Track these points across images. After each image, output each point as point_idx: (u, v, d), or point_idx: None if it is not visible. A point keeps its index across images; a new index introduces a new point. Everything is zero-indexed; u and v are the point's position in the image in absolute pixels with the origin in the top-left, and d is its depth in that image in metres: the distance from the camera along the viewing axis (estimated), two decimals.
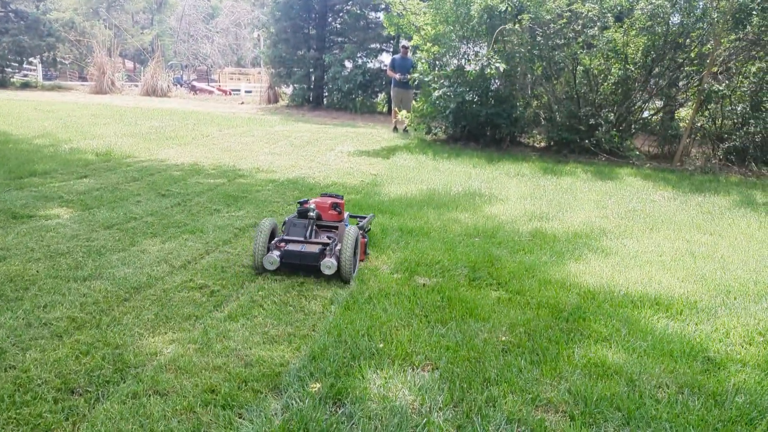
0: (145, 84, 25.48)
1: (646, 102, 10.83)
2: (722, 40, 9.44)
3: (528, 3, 10.26)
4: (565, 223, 6.21)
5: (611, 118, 10.46)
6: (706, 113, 10.36)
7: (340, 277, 4.19)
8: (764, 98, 9.90)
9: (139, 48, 46.62)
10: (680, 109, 10.75)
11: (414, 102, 13.15)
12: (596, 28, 9.89)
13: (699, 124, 10.32)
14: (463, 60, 11.73)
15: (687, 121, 10.09)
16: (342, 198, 4.94)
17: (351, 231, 4.21)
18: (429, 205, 6.83)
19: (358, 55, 19.82)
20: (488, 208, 6.80)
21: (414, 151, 10.71)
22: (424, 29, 11.70)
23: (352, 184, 7.92)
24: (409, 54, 14.01)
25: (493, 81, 11.26)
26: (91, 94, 24.79)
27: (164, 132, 11.95)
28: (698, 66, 10.16)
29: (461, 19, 11.31)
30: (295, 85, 21.40)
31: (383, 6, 19.82)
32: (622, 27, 10.52)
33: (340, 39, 21.15)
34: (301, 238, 4.40)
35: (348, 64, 19.94)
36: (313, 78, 20.87)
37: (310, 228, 4.48)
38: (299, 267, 4.28)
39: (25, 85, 27.41)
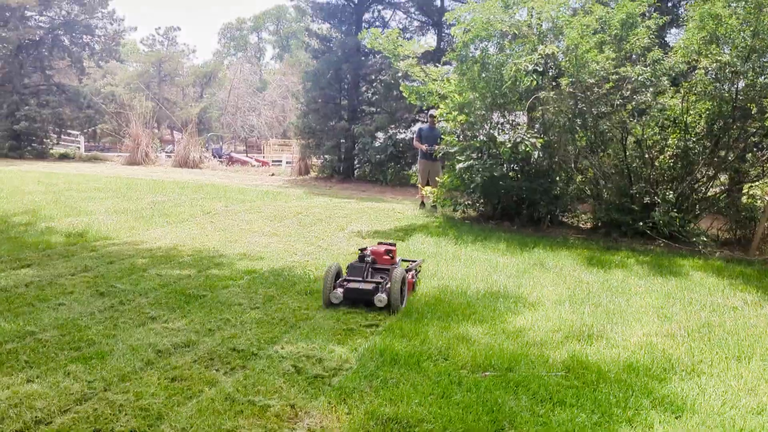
0: (177, 155, 25.03)
1: (712, 178, 9.12)
2: None
3: (567, 65, 8.87)
4: (614, 346, 4.54)
5: (670, 196, 8.78)
6: None
7: (389, 309, 5.17)
8: None
9: (185, 120, 47.41)
10: (755, 185, 9.01)
11: (438, 176, 11.77)
12: (649, 94, 8.39)
13: None
14: (496, 131, 10.35)
15: (766, 200, 8.34)
16: (395, 245, 5.99)
17: (398, 272, 5.26)
18: (434, 311, 5.27)
19: (390, 125, 18.74)
20: (512, 318, 5.18)
21: (435, 233, 9.21)
22: (449, 96, 10.42)
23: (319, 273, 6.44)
24: (437, 123, 12.77)
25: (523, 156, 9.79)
26: (123, 165, 24.46)
27: (162, 208, 10.83)
28: None
29: (490, 85, 10.00)
30: (325, 156, 20.40)
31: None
32: (679, 91, 9.00)
33: (372, 109, 20.20)
34: (360, 278, 5.44)
35: (380, 135, 18.88)
36: (343, 149, 19.85)
37: (366, 270, 5.53)
38: (358, 301, 5.28)
39: (64, 156, 27.42)
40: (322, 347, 4.31)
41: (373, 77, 20.08)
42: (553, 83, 9.08)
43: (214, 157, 31.09)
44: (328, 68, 19.45)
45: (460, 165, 9.73)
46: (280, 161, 32.13)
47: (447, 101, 10.67)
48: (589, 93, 8.92)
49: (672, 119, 8.88)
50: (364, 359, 4.09)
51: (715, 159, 8.81)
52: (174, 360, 3.96)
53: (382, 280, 5.40)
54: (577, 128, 9.14)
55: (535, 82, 9.04)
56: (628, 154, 9.37)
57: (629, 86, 8.57)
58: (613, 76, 8.57)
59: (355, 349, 4.31)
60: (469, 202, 10.98)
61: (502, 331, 4.80)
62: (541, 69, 8.62)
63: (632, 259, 7.96)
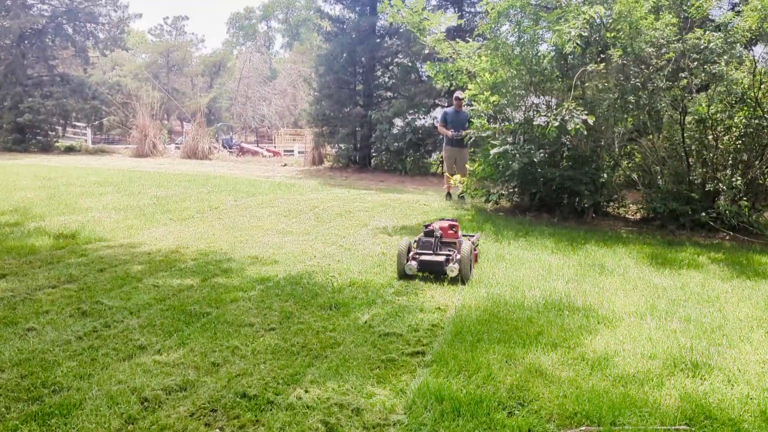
0: (186, 146, 24.10)
1: None
2: None
3: (618, 36, 7.75)
4: (732, 381, 3.51)
5: (738, 182, 7.68)
6: None
7: (460, 279, 5.52)
8: None
9: (195, 111, 46.50)
10: None
11: (468, 164, 10.70)
12: (723, 63, 7.26)
13: None
14: (531, 112, 9.28)
15: None
16: (456, 221, 6.28)
17: (467, 245, 5.69)
18: (491, 330, 4.26)
19: (409, 111, 17.64)
20: (589, 339, 4.15)
21: (469, 227, 8.17)
22: (480, 75, 9.33)
23: (377, 285, 5.45)
24: (464, 106, 11.67)
25: (570, 136, 8.71)
26: (131, 158, 23.57)
27: (165, 204, 9.87)
28: None
29: (526, 61, 8.91)
30: (340, 145, 19.35)
31: (434, 55, 17.78)
32: (743, 63, 7.85)
33: (389, 94, 19.11)
34: (430, 251, 5.79)
35: (398, 122, 17.79)
36: (359, 137, 18.78)
37: (436, 243, 5.83)
38: (431, 272, 5.65)
39: (69, 149, 26.56)
40: (358, 388, 3.31)
41: (390, 60, 18.99)
42: (600, 56, 7.97)
43: (224, 147, 30.16)
44: (342, 51, 18.36)
45: (495, 150, 8.66)
46: (292, 151, 31.20)
47: (477, 80, 9.60)
48: (644, 66, 7.81)
49: (739, 94, 7.75)
50: (415, 408, 3.08)
51: None
52: (164, 413, 2.98)
53: (450, 253, 5.79)
54: (631, 106, 8.03)
55: (579, 49, 7.90)
56: (686, 135, 8.25)
57: (696, 56, 7.44)
58: (675, 45, 7.44)
59: (402, 391, 3.31)
60: (503, 193, 9.91)
61: (583, 360, 3.78)
62: (586, 34, 7.48)
63: (703, 257, 6.89)
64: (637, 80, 7.99)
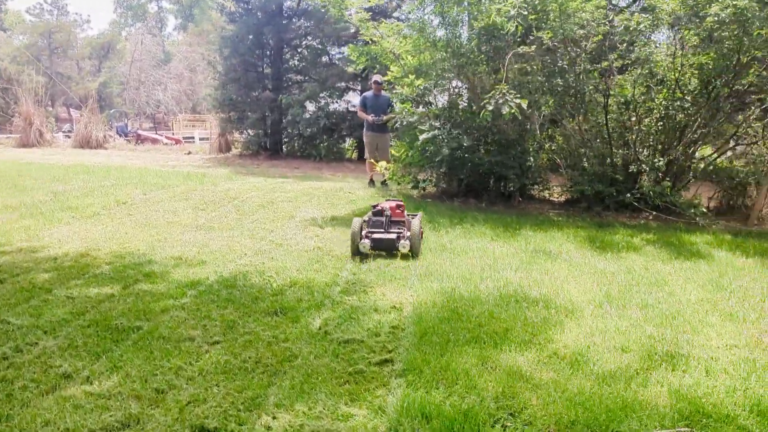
0: (78, 135, 22.35)
1: (705, 141, 8.27)
2: None
3: (547, 17, 7.67)
4: (711, 372, 3.43)
5: (660, 163, 7.86)
6: None
7: (411, 254, 5.94)
8: None
9: (84, 96, 43.44)
10: (752, 148, 8.23)
11: (392, 149, 10.44)
12: (652, 45, 7.35)
13: None
14: (458, 96, 9.10)
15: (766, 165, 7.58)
16: (401, 201, 6.69)
17: (415, 222, 6.24)
18: (456, 330, 4.00)
19: (321, 95, 17.13)
20: (557, 334, 3.98)
21: None
22: (404, 58, 9.04)
23: (321, 284, 5.06)
24: (384, 90, 11.37)
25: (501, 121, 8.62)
26: (15, 148, 21.55)
27: (65, 199, 8.93)
28: None
29: (453, 44, 8.71)
30: (249, 131, 18.54)
31: (348, 38, 17.35)
32: (672, 42, 7.99)
33: (299, 77, 18.48)
34: (381, 230, 6.18)
35: (310, 106, 17.24)
36: (269, 122, 18.04)
37: (386, 222, 6.24)
38: (383, 249, 6.06)
39: None
40: (330, 409, 2.95)
41: (299, 42, 18.34)
42: (529, 38, 7.88)
43: (120, 135, 28.29)
44: (248, 32, 17.51)
45: (424, 136, 8.43)
46: (193, 138, 29.85)
47: (401, 63, 9.30)
48: (570, 48, 7.79)
49: (660, 77, 7.90)
50: (402, 430, 2.75)
51: (709, 120, 7.92)
52: None
53: (401, 231, 6.18)
54: (559, 89, 8.00)
55: (521, 28, 7.74)
56: (609, 117, 8.36)
57: (626, 38, 7.49)
58: (602, 27, 7.46)
59: (380, 409, 2.97)
60: (430, 179, 9.73)
61: (558, 358, 3.59)
62: (526, 13, 7.33)
63: (636, 239, 6.98)
64: (564, 62, 7.98)
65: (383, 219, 6.24)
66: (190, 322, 4.14)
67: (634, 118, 8.16)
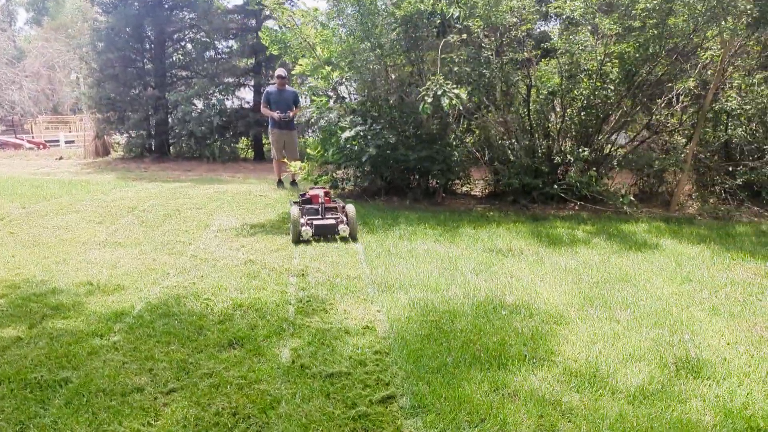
0: None
1: (627, 130, 8.36)
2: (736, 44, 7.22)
3: (476, 5, 7.35)
4: (738, 378, 3.22)
5: (585, 153, 7.84)
6: (712, 138, 8.08)
7: (350, 238, 6.34)
8: None
9: None
10: (672, 136, 8.42)
11: (308, 149, 9.80)
12: (587, 33, 7.25)
13: (699, 156, 8.01)
14: (381, 90, 8.63)
15: (686, 152, 7.75)
16: (328, 188, 7.70)
17: (351, 207, 6.49)
18: (450, 350, 3.55)
19: (211, 91, 16.04)
20: (557, 345, 3.64)
21: None
22: (320, 48, 8.45)
23: (270, 304, 4.42)
24: (289, 85, 10.68)
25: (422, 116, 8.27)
26: None
27: None
28: (694, 80, 7.84)
29: (373, 36, 8.24)
30: (131, 132, 17.03)
31: (237, 30, 16.39)
32: (596, 32, 7.98)
33: (185, 73, 17.21)
34: (319, 216, 6.54)
35: (199, 103, 16.11)
36: (154, 122, 16.67)
37: (321, 209, 6.65)
38: (324, 234, 6.37)
39: None
40: None
41: (183, 35, 17.09)
42: (456, 27, 7.57)
43: None
44: (125, 25, 16.05)
45: (346, 134, 7.88)
46: (57, 141, 27.33)
47: (316, 53, 8.69)
48: (494, 38, 7.57)
49: (583, 66, 7.88)
50: None
51: (631, 109, 8.01)
52: None
53: (338, 216, 6.57)
54: (485, 80, 7.75)
55: (464, 13, 7.35)
56: (533, 108, 8.26)
57: (558, 27, 7.37)
58: (532, 16, 7.28)
59: None
60: (352, 178, 9.21)
61: (572, 374, 3.24)
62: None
63: (578, 231, 6.88)
64: (490, 53, 7.75)
65: (318, 206, 6.65)
66: (131, 366, 3.38)
67: (558, 108, 8.10)
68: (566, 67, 7.72)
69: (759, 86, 7.81)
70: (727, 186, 7.99)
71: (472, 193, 9.55)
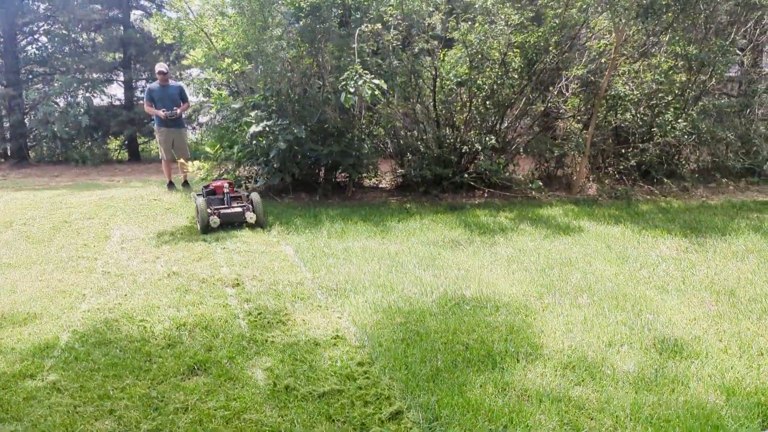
0: None
1: (530, 117, 8.61)
2: (629, 32, 7.64)
3: None
4: (749, 357, 3.35)
5: (492, 141, 8.00)
6: (604, 123, 8.51)
7: (257, 225, 6.62)
8: (660, 101, 8.42)
9: None
10: (568, 121, 8.78)
11: (206, 146, 9.18)
12: (501, 22, 7.32)
13: (594, 139, 8.42)
14: (286, 83, 8.25)
15: (585, 137, 8.11)
16: (230, 180, 7.60)
17: (256, 195, 6.69)
18: (433, 352, 3.40)
19: (75, 88, 14.63)
20: (537, 338, 3.61)
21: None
22: (217, 37, 7.91)
23: (218, 320, 4.03)
24: (173, 80, 9.96)
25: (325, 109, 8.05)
26: None
27: None
28: (584, 67, 8.23)
29: (274, 23, 7.86)
30: None
31: (100, 22, 15.10)
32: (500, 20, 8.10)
33: (43, 69, 15.56)
34: (225, 205, 6.75)
35: (62, 102, 14.65)
36: (8, 124, 14.94)
37: (227, 199, 6.89)
38: (232, 222, 6.58)
39: None
40: None
41: (37, 27, 15.44)
42: (366, 17, 7.38)
43: None
44: None
45: (253, 129, 7.45)
46: None
47: (214, 44, 8.14)
48: (404, 27, 7.49)
49: (487, 56, 8.00)
50: None
51: (532, 96, 8.27)
52: None
53: (244, 204, 6.76)
54: (396, 70, 7.64)
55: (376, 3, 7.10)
56: (439, 98, 8.30)
57: (467, 15, 7.38)
58: (444, 6, 7.26)
59: None
60: (255, 176, 8.76)
61: (567, 366, 3.22)
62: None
63: (500, 218, 7.01)
64: (397, 42, 7.65)
65: (222, 196, 6.88)
66: (86, 409, 2.91)
67: (465, 97, 8.18)
68: (472, 57, 7.80)
69: (643, 73, 8.36)
70: (622, 167, 8.50)
71: (380, 185, 9.44)
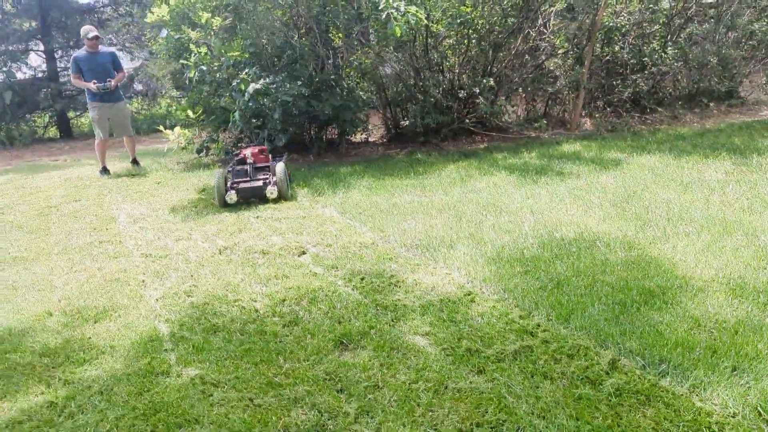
0: None
1: (528, 55, 8.42)
2: None
3: None
4: None
5: (491, 82, 7.82)
6: (600, 55, 8.46)
7: (281, 198, 5.95)
8: (646, 31, 8.47)
9: None
10: (561, 57, 8.66)
11: (179, 112, 8.43)
12: None
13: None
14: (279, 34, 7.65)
15: (582, 72, 8.03)
16: (264, 146, 6.68)
17: (280, 166, 6.01)
18: (588, 295, 3.25)
19: None
20: (665, 269, 3.52)
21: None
22: None
23: (322, 292, 3.70)
24: (103, 46, 8.79)
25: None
26: None
27: None
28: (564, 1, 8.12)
29: None
30: None
31: None
32: None
33: None
34: (247, 178, 6.08)
35: None
36: None
37: (250, 170, 6.15)
38: (251, 197, 5.99)
39: None
40: None
41: None
42: None
43: None
44: None
45: (253, 87, 6.89)
46: None
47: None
48: None
49: None
50: None
51: (527, 37, 8.11)
52: None
53: (266, 177, 6.10)
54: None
55: None
56: (429, 42, 8.01)
57: None
58: None
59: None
60: (241, 139, 8.19)
61: (732, 294, 3.15)
62: None
63: (526, 159, 6.91)
64: None
65: (247, 167, 6.19)
66: (265, 401, 2.57)
67: (466, 41, 7.91)
68: None
69: (630, 3, 8.38)
70: (616, 100, 8.57)
71: (370, 140, 9.09)
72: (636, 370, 2.55)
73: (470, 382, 2.59)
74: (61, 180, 8.30)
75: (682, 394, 2.38)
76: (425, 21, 6.35)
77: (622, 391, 2.43)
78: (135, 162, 8.82)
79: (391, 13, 5.93)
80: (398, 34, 6.02)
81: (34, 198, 7.16)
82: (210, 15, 7.22)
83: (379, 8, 6.06)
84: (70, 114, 14.61)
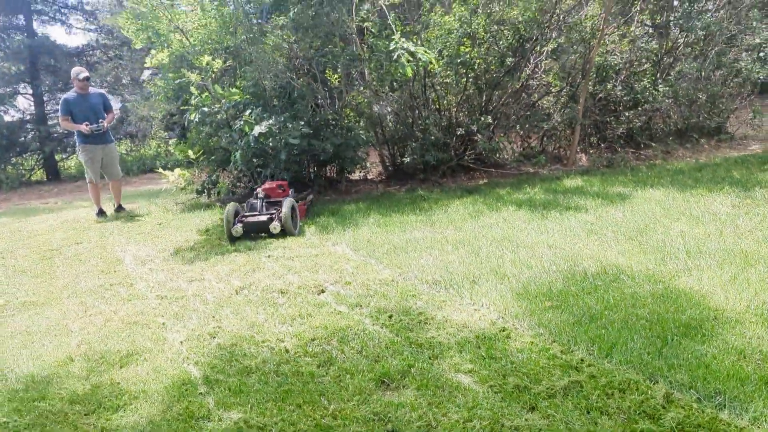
0: None
1: (522, 92, 8.57)
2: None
3: None
4: None
5: (488, 119, 7.94)
6: (594, 92, 8.65)
7: (286, 232, 6.03)
8: (637, 69, 8.72)
9: None
10: (555, 96, 8.83)
11: (177, 152, 8.41)
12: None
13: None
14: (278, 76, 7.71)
15: (578, 108, 8.19)
16: (286, 180, 7.03)
17: (287, 201, 6.13)
18: (624, 329, 3.25)
19: None
20: (696, 301, 3.55)
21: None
22: (198, 32, 7.26)
23: (351, 330, 3.65)
24: (94, 88, 8.68)
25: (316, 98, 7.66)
26: None
27: None
28: (554, 43, 8.33)
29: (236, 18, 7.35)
30: None
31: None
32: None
33: None
34: (256, 212, 6.29)
35: None
36: None
37: (261, 204, 6.36)
38: (257, 231, 6.10)
39: None
40: None
41: None
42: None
43: None
44: None
45: (258, 130, 6.90)
46: None
47: (187, 39, 7.47)
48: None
49: (475, 35, 7.91)
50: None
51: (522, 76, 8.28)
52: None
53: (275, 212, 6.21)
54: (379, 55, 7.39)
55: None
56: (427, 81, 8.16)
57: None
58: None
59: None
60: (236, 180, 8.18)
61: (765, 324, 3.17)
62: None
63: (531, 194, 6.95)
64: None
65: (258, 201, 6.39)
66: None
67: (464, 80, 8.04)
68: (472, 32, 7.70)
69: (621, 43, 8.62)
70: (610, 136, 8.74)
71: (368, 177, 9.12)
72: (692, 404, 2.54)
73: (525, 420, 2.55)
74: (57, 223, 8.18)
75: (743, 427, 2.37)
76: (434, 63, 6.46)
77: (683, 425, 2.41)
78: (120, 208, 8.48)
79: (402, 54, 6.03)
80: (409, 74, 6.12)
81: (33, 241, 7.03)
82: (210, 57, 7.27)
83: (390, 49, 6.17)
84: (58, 156, 14.48)
